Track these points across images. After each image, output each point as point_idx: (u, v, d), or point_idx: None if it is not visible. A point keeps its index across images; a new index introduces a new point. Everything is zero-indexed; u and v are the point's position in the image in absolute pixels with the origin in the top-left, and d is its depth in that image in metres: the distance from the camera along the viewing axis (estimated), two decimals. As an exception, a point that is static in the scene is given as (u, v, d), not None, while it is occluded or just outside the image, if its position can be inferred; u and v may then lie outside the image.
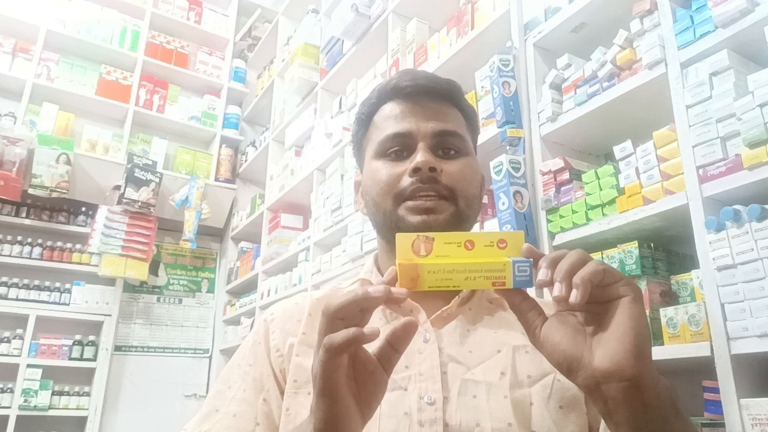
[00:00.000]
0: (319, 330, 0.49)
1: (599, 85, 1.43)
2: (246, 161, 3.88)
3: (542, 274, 0.50)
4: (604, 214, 1.36)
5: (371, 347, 0.51)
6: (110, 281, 3.40)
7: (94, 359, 3.28)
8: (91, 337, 3.31)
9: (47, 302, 3.21)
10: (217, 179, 3.80)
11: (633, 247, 1.27)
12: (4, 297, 3.11)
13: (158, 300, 3.69)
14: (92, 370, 3.26)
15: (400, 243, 0.53)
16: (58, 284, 3.28)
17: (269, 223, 3.28)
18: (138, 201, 3.33)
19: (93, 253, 3.31)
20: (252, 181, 3.96)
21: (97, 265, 3.29)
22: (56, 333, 3.23)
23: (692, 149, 1.17)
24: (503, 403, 0.64)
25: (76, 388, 3.21)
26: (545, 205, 1.50)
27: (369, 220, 0.83)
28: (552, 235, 1.48)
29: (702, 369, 1.09)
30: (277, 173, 3.32)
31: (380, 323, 0.72)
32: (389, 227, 0.74)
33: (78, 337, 3.29)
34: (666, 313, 1.17)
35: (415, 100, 0.77)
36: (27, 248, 3.22)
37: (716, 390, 1.04)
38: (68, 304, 3.26)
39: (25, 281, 3.18)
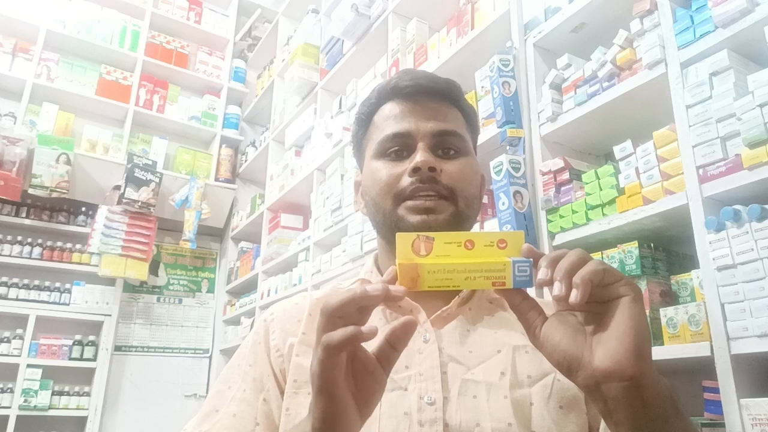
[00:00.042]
0: (318, 328, 0.49)
1: (599, 85, 1.43)
2: (246, 161, 3.88)
3: (542, 273, 0.50)
4: (604, 214, 1.36)
5: (371, 346, 0.51)
6: (110, 281, 3.40)
7: (94, 359, 3.28)
8: (91, 337, 3.31)
9: (47, 302, 3.21)
10: (217, 179, 3.80)
11: (633, 247, 1.27)
12: (4, 297, 3.11)
13: (158, 300, 3.69)
14: (92, 370, 3.27)
15: (400, 242, 0.53)
16: (58, 284, 3.28)
17: (269, 223, 3.28)
18: (138, 201, 3.33)
19: (93, 253, 3.31)
20: (252, 181, 3.96)
21: (97, 265, 3.29)
22: (56, 333, 3.23)
23: (692, 149, 1.17)
24: (503, 403, 0.64)
25: (76, 388, 3.21)
26: (545, 205, 1.50)
27: (369, 220, 0.83)
28: (552, 235, 1.48)
29: (702, 369, 1.09)
30: (277, 173, 3.32)
31: (380, 323, 0.72)
32: (389, 227, 0.74)
33: (78, 337, 3.29)
34: (666, 313, 1.17)
35: (414, 99, 0.77)
36: (27, 248, 3.22)
37: (716, 390, 1.04)
38: (68, 304, 3.26)
39: (25, 281, 3.18)
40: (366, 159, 0.80)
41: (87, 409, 3.18)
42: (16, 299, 3.14)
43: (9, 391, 3.00)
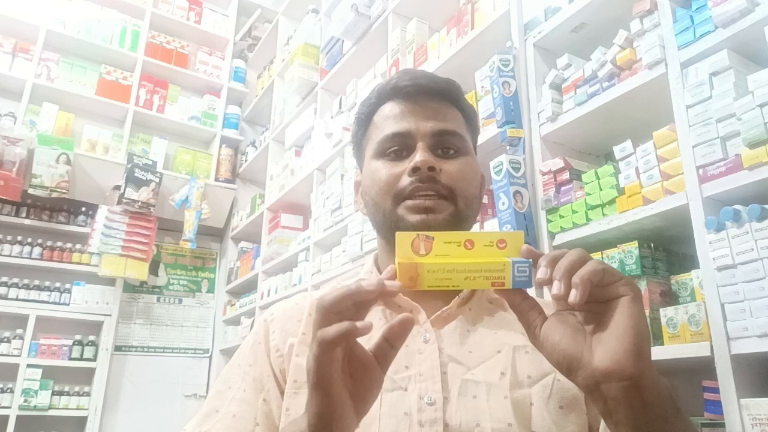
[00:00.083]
0: (313, 324, 0.49)
1: (599, 85, 1.43)
2: (246, 161, 3.88)
3: (541, 272, 0.50)
4: (604, 214, 1.36)
5: (368, 344, 0.51)
6: (110, 281, 3.40)
7: (94, 359, 3.28)
8: (91, 337, 3.31)
9: (47, 302, 3.21)
10: (217, 179, 3.80)
11: (633, 247, 1.27)
12: (4, 297, 3.11)
13: (158, 300, 3.69)
14: (92, 370, 3.26)
15: (400, 242, 0.53)
16: (58, 284, 3.28)
17: (269, 223, 3.28)
18: (138, 201, 3.33)
19: (93, 253, 3.31)
20: (252, 181, 3.96)
21: (97, 265, 3.29)
22: (56, 333, 3.23)
23: (692, 149, 1.17)
24: (503, 404, 0.64)
25: (76, 388, 3.21)
26: (545, 205, 1.50)
27: (369, 220, 0.83)
28: (552, 235, 1.48)
29: (702, 369, 1.09)
30: (277, 173, 3.32)
31: (380, 323, 0.72)
32: (389, 227, 0.74)
33: (78, 337, 3.29)
34: (666, 313, 1.17)
35: (414, 99, 0.77)
36: (27, 248, 3.22)
37: (716, 390, 1.04)
38: (68, 304, 3.26)
39: (25, 281, 3.18)
40: (366, 159, 0.80)
41: (87, 409, 3.18)
42: (16, 299, 3.14)
43: (9, 391, 3.00)
